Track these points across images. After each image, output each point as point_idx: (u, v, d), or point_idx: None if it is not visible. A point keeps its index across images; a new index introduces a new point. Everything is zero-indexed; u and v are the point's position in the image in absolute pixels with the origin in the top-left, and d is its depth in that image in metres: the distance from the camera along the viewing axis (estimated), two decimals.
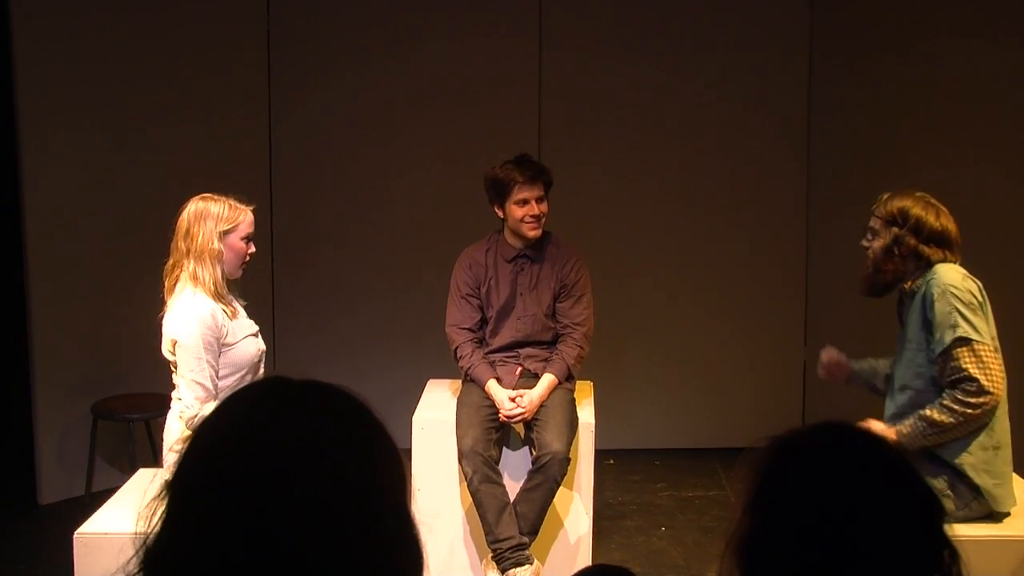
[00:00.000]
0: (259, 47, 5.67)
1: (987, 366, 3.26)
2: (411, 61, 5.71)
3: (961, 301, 3.27)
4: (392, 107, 5.75)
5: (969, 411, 3.25)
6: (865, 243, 3.48)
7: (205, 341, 3.43)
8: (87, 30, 5.06)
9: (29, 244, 4.99)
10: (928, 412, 3.30)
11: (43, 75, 4.95)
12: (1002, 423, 3.40)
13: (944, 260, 3.36)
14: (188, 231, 3.49)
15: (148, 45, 5.22)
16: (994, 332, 3.38)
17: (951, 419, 3.26)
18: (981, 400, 3.25)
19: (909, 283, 3.43)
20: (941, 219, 3.38)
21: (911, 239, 3.36)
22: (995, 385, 3.26)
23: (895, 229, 3.37)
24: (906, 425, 3.34)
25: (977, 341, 3.25)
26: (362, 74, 5.74)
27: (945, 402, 3.27)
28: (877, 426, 3.38)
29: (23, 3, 4.89)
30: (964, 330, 3.25)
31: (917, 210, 3.37)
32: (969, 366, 3.25)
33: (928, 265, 3.37)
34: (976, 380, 3.24)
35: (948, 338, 3.26)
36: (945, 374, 3.29)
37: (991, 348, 3.28)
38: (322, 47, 5.74)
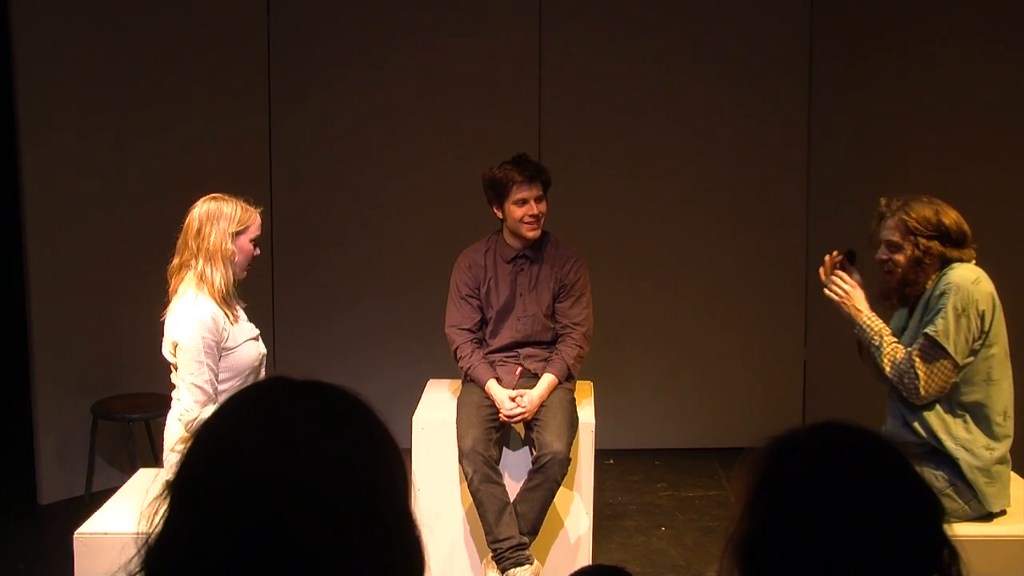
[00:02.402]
0: (259, 48, 5.67)
1: (933, 373, 3.33)
2: (411, 62, 5.72)
3: (954, 304, 3.30)
4: (392, 107, 5.75)
5: (899, 386, 3.39)
6: (884, 256, 3.46)
7: (205, 344, 3.42)
8: (87, 31, 5.06)
9: (29, 244, 4.99)
10: (887, 346, 3.41)
11: (43, 76, 4.95)
12: (1000, 428, 3.41)
13: (962, 259, 3.39)
14: (200, 230, 3.47)
15: (148, 46, 5.22)
16: (996, 338, 3.39)
17: (890, 371, 3.40)
18: (911, 393, 3.38)
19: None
20: (956, 218, 3.42)
21: (938, 246, 3.38)
22: (929, 391, 3.35)
23: (921, 239, 3.38)
24: (874, 329, 3.46)
25: (941, 346, 3.32)
26: (362, 75, 5.74)
27: (900, 358, 3.38)
28: (859, 298, 3.51)
29: (24, 4, 4.89)
30: (936, 329, 3.32)
31: (937, 216, 3.39)
32: (919, 360, 3.34)
33: (947, 263, 3.39)
34: (917, 377, 3.34)
35: (926, 328, 3.35)
36: (912, 347, 3.40)
37: (951, 357, 3.32)
38: (322, 48, 5.74)
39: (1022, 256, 5.27)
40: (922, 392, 3.34)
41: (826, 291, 3.59)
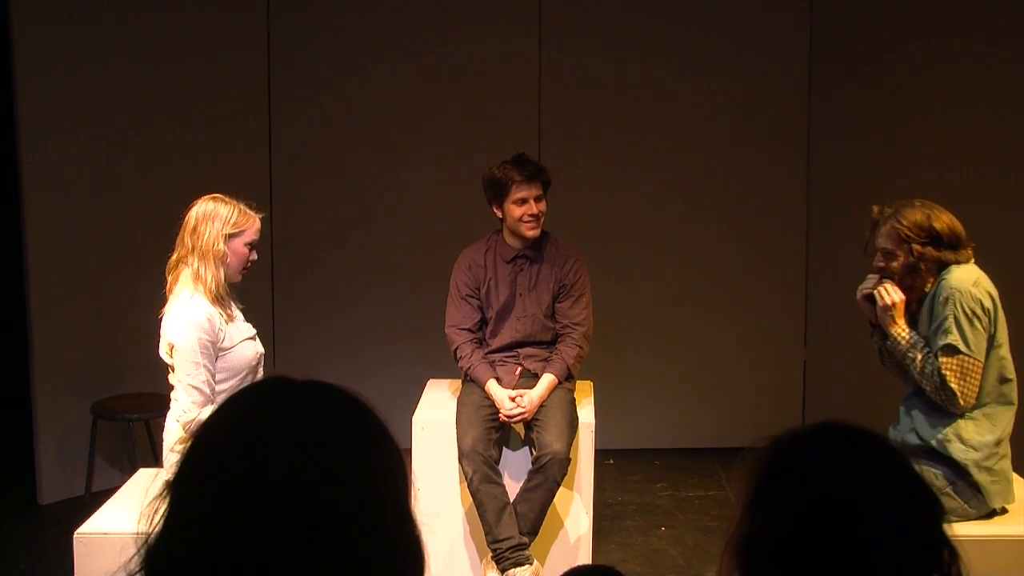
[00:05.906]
0: (259, 48, 5.66)
1: (967, 381, 3.33)
2: (411, 62, 5.71)
3: (961, 308, 3.30)
4: (392, 108, 5.75)
5: (937, 399, 3.37)
6: (880, 264, 3.46)
7: (202, 345, 3.42)
8: (87, 31, 5.05)
9: (29, 244, 4.99)
10: (920, 358, 3.37)
11: (43, 76, 4.95)
12: (1007, 423, 3.42)
13: (958, 260, 3.39)
14: (195, 228, 3.48)
15: (148, 47, 5.22)
16: (1003, 337, 3.40)
17: (926, 384, 3.38)
18: (951, 406, 3.37)
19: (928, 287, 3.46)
20: (949, 221, 3.41)
21: (932, 251, 3.38)
22: (967, 399, 3.35)
23: (915, 245, 3.38)
24: (907, 341, 3.41)
25: (964, 353, 3.31)
26: (362, 75, 5.74)
27: (930, 371, 3.35)
28: (901, 311, 3.43)
29: (23, 6, 4.89)
30: (954, 338, 3.32)
31: (929, 221, 3.38)
32: (949, 375, 3.33)
33: (943, 267, 3.39)
34: (954, 393, 3.33)
35: (939, 342, 3.34)
36: (937, 363, 3.38)
37: (977, 360, 3.32)
38: (322, 48, 5.74)
39: (1022, 257, 5.26)
40: (961, 403, 3.35)
41: (878, 290, 3.47)
